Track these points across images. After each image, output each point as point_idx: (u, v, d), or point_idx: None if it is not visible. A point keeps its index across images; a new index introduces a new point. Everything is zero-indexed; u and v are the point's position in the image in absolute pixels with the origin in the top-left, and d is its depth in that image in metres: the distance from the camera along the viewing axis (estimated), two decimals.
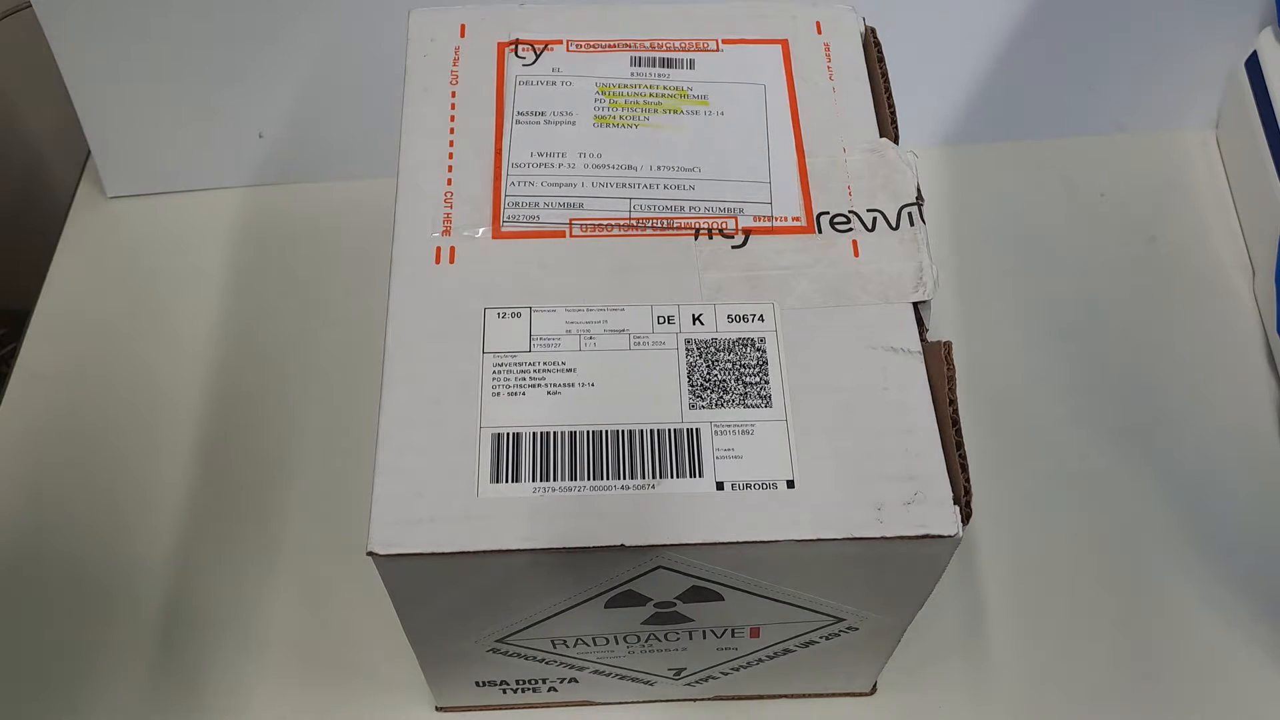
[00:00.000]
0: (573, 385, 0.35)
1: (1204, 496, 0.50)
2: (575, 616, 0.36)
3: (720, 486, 0.33)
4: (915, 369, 0.35)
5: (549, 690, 0.43)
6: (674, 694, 0.44)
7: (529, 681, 0.42)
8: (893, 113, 0.40)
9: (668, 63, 0.41)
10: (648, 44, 0.42)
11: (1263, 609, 0.48)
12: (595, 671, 0.42)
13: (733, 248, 0.37)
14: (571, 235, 0.37)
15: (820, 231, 0.38)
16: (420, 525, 0.32)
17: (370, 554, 0.32)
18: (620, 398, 0.34)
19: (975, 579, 0.48)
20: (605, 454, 0.33)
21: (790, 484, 0.33)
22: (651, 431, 0.34)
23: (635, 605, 0.36)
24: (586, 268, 0.37)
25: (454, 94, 0.40)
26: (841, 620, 0.38)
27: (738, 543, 0.33)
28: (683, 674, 0.42)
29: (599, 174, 0.38)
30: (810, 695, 0.45)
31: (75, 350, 0.54)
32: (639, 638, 0.39)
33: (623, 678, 0.42)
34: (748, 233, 0.37)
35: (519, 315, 0.36)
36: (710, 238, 0.37)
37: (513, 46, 0.41)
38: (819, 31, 0.42)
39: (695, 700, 0.45)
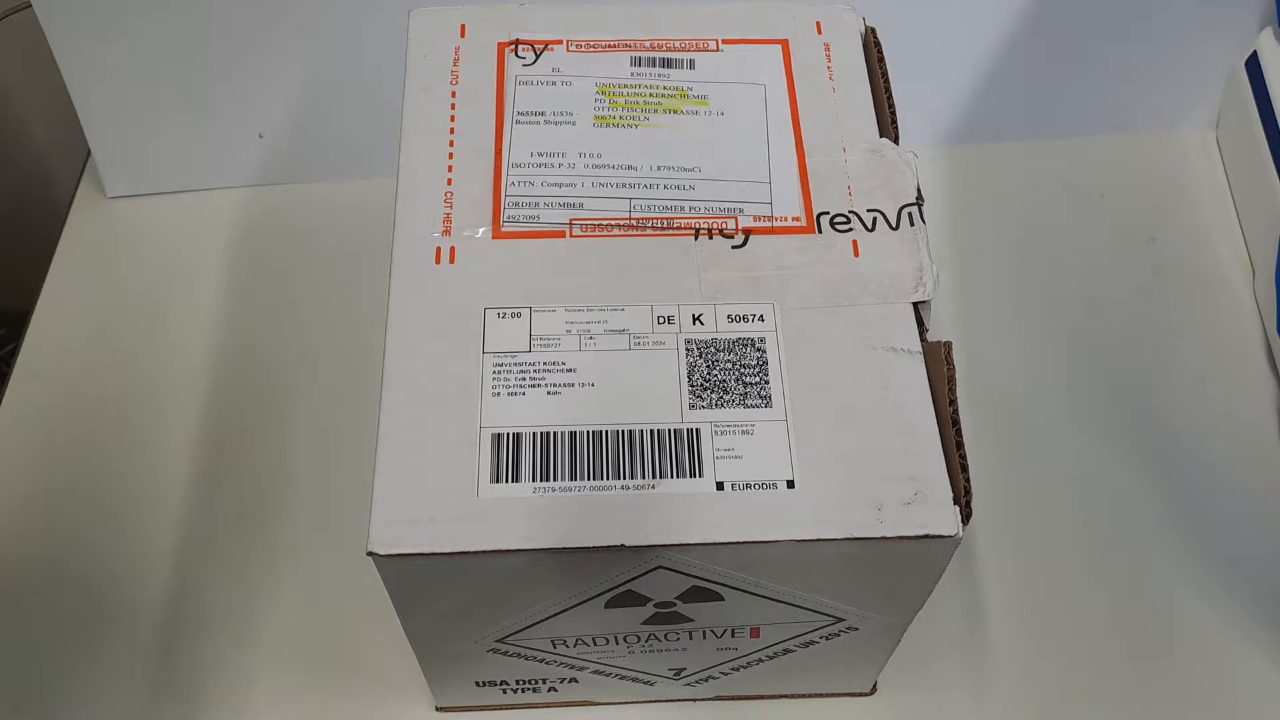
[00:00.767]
0: (573, 385, 0.35)
1: (1204, 496, 0.50)
2: (575, 616, 0.36)
3: (720, 486, 0.33)
4: (915, 369, 0.35)
5: (549, 690, 0.43)
6: (674, 694, 0.44)
7: (529, 681, 0.42)
8: (893, 113, 0.40)
9: (668, 63, 0.41)
10: (648, 44, 0.42)
11: (1263, 609, 0.48)
12: (595, 671, 0.42)
13: (733, 248, 0.37)
14: (571, 235, 0.37)
15: (820, 231, 0.38)
16: (420, 525, 0.32)
17: (370, 554, 0.32)
18: (620, 398, 0.34)
19: (975, 579, 0.48)
20: (605, 454, 0.33)
21: (790, 484, 0.33)
22: (651, 431, 0.34)
23: (635, 605, 0.36)
24: (586, 268, 0.37)
25: (454, 94, 0.40)
26: (841, 620, 0.38)
27: (738, 543, 0.32)
28: (683, 674, 0.42)
29: (599, 174, 0.38)
30: (810, 695, 0.45)
31: (75, 350, 0.54)
32: (639, 638, 0.39)
33: (623, 678, 0.42)
34: (748, 233, 0.37)
35: (519, 315, 0.36)
36: (710, 238, 0.37)
37: (513, 46, 0.41)
38: (819, 31, 0.42)
39: (695, 700, 0.45)
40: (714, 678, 0.43)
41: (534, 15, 0.42)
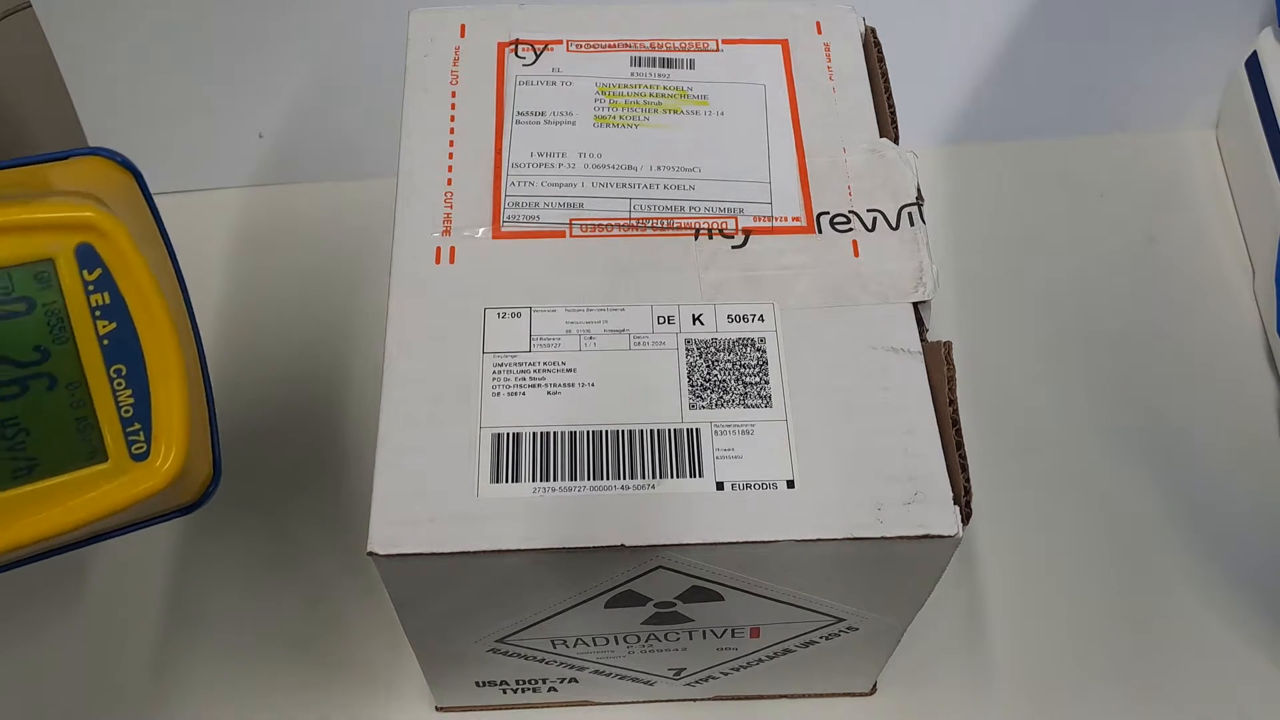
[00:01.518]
0: (573, 385, 0.35)
1: (1204, 496, 0.50)
2: (575, 616, 0.36)
3: (720, 486, 0.33)
4: (915, 369, 0.35)
5: (549, 690, 0.43)
6: (674, 694, 0.44)
7: (529, 681, 0.42)
8: (893, 113, 0.40)
9: (668, 63, 0.41)
10: (648, 44, 0.42)
11: (1263, 609, 0.48)
12: (595, 671, 0.42)
13: (733, 248, 0.37)
14: (571, 235, 0.37)
15: (820, 231, 0.38)
16: (420, 525, 0.32)
17: (370, 554, 0.32)
18: (620, 398, 0.34)
19: (975, 579, 0.48)
20: (605, 454, 0.33)
21: (790, 484, 0.33)
22: (651, 431, 0.34)
23: (635, 605, 0.36)
24: (586, 268, 0.37)
25: (454, 94, 0.40)
26: (841, 620, 0.38)
27: (738, 543, 0.33)
28: (683, 674, 0.42)
29: (599, 174, 0.38)
30: (810, 695, 0.45)
31: None
32: (639, 638, 0.39)
33: (623, 678, 0.42)
34: (748, 233, 0.37)
35: (519, 315, 0.36)
36: (710, 238, 0.37)
37: (513, 46, 0.41)
38: (819, 31, 0.42)
39: (695, 700, 0.45)
40: (714, 678, 0.43)
41: (534, 15, 0.42)
